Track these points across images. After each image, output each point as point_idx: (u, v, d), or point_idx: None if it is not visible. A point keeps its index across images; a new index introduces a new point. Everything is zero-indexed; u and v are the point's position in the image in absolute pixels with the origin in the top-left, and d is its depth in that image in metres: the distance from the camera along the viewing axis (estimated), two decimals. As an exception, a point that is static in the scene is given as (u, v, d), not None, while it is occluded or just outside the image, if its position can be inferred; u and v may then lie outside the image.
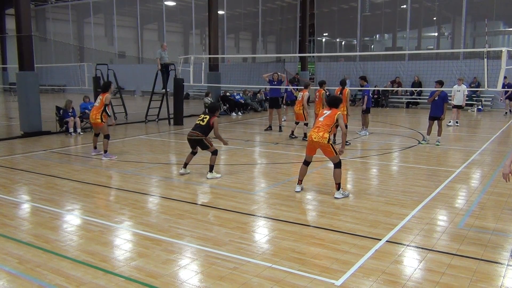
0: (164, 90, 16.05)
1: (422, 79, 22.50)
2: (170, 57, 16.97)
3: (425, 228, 5.42)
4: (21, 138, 12.62)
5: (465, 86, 15.82)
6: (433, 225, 5.59)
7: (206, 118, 8.12)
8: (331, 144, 6.71)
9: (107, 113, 9.78)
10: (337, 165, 6.75)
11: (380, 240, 5.03)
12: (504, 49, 11.19)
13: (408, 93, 23.69)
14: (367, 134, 13.27)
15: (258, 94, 22.04)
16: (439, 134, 11.50)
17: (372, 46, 31.30)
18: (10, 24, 28.98)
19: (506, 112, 19.19)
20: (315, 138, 6.72)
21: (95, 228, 5.45)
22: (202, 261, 4.52)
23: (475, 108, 21.05)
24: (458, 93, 15.44)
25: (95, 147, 10.14)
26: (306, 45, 27.48)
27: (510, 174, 4.42)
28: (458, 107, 15.56)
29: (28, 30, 13.01)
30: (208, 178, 7.94)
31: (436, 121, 11.49)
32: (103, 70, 16.83)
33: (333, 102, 7.13)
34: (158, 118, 16.48)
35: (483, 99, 21.52)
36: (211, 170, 8.02)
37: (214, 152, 8.03)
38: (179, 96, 15.90)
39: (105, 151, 9.68)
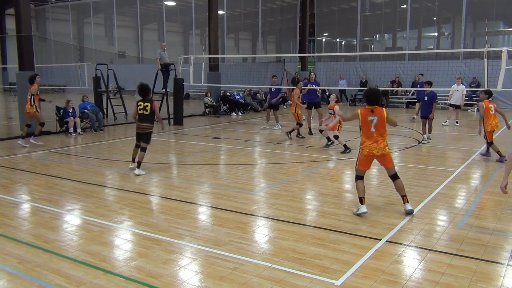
0: (164, 90, 16.05)
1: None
2: (170, 57, 16.97)
3: (425, 228, 5.42)
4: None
5: (463, 86, 15.81)
6: (433, 225, 5.59)
7: (147, 106, 8.18)
8: (390, 151, 6.05)
9: (36, 102, 11.05)
10: (397, 175, 6.07)
11: (380, 240, 5.03)
12: (504, 49, 11.20)
13: (408, 93, 23.69)
14: (280, 127, 14.41)
15: (258, 94, 22.04)
16: (430, 131, 11.78)
17: (372, 46, 31.30)
18: (10, 24, 28.97)
19: (413, 118, 16.75)
20: (377, 152, 5.89)
21: (95, 228, 5.45)
22: (202, 261, 4.52)
23: (475, 108, 21.02)
24: (457, 92, 15.45)
25: (35, 135, 11.34)
26: (306, 45, 27.48)
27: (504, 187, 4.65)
28: (457, 106, 15.57)
29: (28, 30, 13.01)
30: (136, 174, 8.07)
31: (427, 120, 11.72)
32: (103, 70, 16.82)
33: (374, 97, 5.95)
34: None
35: (483, 99, 21.51)
36: (139, 166, 8.14)
37: (144, 149, 8.24)
38: (179, 96, 15.90)
39: (35, 135, 11.24)
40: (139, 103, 8.29)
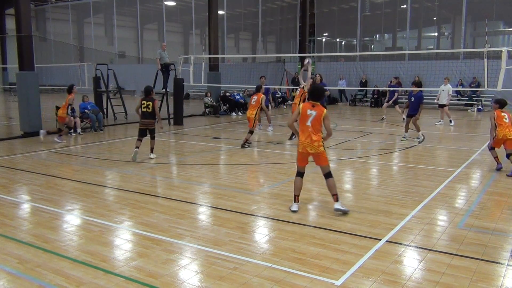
0: (164, 90, 16.05)
1: (422, 79, 22.51)
2: (170, 57, 16.97)
3: (425, 228, 5.42)
4: (21, 138, 12.62)
5: (449, 86, 15.92)
6: (433, 225, 5.59)
7: (149, 104, 9.33)
8: (325, 150, 6.03)
9: (70, 110, 12.39)
10: (330, 174, 6.06)
11: (380, 240, 5.03)
12: (504, 49, 11.20)
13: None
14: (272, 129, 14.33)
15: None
16: (418, 130, 12.09)
17: (372, 46, 31.31)
18: (10, 24, 28.99)
19: (403, 118, 16.34)
20: (311, 150, 5.94)
21: (95, 228, 5.45)
22: (202, 261, 4.52)
23: (475, 108, 21.05)
24: (443, 92, 15.62)
25: (60, 135, 12.09)
26: (306, 45, 27.48)
27: None
28: (443, 105, 15.70)
29: (28, 30, 13.00)
30: (151, 158, 9.53)
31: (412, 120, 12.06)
32: (103, 70, 16.82)
33: (318, 94, 6.09)
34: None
35: (483, 99, 21.52)
36: (152, 151, 9.65)
37: (153, 137, 9.63)
38: (179, 96, 15.89)
39: (60, 135, 11.95)
40: (143, 102, 9.42)
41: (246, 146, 11.17)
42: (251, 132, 11.32)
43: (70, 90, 12.40)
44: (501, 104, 8.88)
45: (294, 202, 6.19)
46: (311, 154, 6.05)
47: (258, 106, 11.46)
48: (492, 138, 8.68)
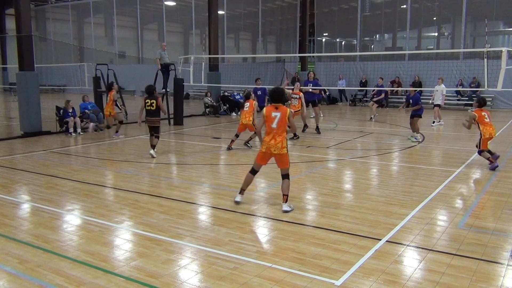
0: (164, 90, 16.04)
1: (422, 79, 22.52)
2: (170, 57, 16.97)
3: (425, 228, 5.42)
4: (21, 138, 12.61)
5: (443, 86, 15.96)
6: (433, 225, 5.59)
7: (153, 102, 9.66)
8: (287, 152, 6.13)
9: (113, 105, 13.20)
10: (288, 176, 6.18)
11: (380, 240, 5.03)
12: (504, 49, 11.20)
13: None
14: None
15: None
16: (417, 132, 12.29)
17: (372, 46, 31.29)
18: (10, 24, 28.99)
19: (371, 117, 17.37)
20: (274, 150, 6.04)
21: (95, 228, 5.45)
22: (202, 261, 4.52)
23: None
24: (437, 92, 15.68)
25: (117, 131, 12.82)
26: (306, 45, 27.48)
27: None
28: (439, 106, 15.77)
29: (28, 30, 13.00)
30: (153, 156, 9.61)
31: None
32: (103, 70, 16.81)
33: (278, 95, 6.21)
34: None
35: (483, 99, 21.47)
36: (154, 148, 9.78)
37: (157, 137, 9.87)
38: (179, 96, 15.89)
39: (116, 132, 12.76)
40: (146, 101, 9.69)
41: (249, 145, 11.18)
42: (255, 133, 11.28)
43: (110, 87, 13.34)
44: (480, 103, 9.07)
45: (239, 194, 6.40)
46: (274, 155, 6.15)
47: (252, 111, 11.13)
48: (468, 127, 9.11)
